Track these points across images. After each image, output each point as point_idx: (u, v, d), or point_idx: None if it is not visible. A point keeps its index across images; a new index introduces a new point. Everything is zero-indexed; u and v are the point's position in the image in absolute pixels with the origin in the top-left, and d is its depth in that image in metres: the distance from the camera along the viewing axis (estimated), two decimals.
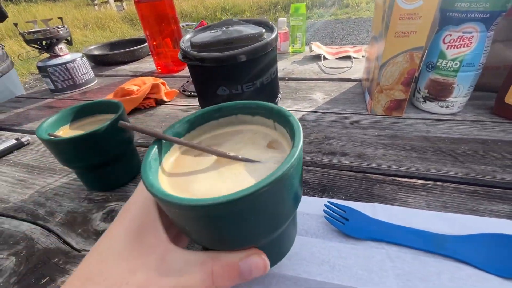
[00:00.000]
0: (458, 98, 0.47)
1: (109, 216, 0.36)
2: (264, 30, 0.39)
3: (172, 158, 0.21)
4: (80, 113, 0.41)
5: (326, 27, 4.39)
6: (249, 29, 0.39)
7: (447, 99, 0.48)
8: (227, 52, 0.36)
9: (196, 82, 0.43)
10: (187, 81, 0.75)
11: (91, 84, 0.83)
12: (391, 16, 0.41)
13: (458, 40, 0.42)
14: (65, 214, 0.37)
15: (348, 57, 0.81)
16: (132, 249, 0.18)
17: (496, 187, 0.34)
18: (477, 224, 0.29)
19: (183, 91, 0.70)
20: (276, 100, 0.46)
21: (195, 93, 0.68)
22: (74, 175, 0.44)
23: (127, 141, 0.39)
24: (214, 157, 0.20)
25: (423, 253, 0.27)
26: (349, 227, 0.30)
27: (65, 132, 0.39)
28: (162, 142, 0.20)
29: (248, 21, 0.44)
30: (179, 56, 0.40)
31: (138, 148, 0.49)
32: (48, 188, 0.42)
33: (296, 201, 0.20)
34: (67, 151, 0.34)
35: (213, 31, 0.42)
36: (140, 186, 0.20)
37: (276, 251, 0.22)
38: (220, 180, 0.18)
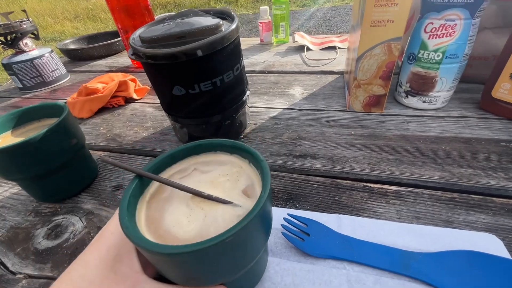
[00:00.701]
0: (442, 92, 0.43)
1: (54, 232, 0.33)
2: (221, 22, 0.35)
3: (151, 191, 0.22)
4: (23, 118, 0.37)
5: (323, 15, 4.27)
6: (205, 21, 0.35)
7: (430, 94, 0.44)
8: (178, 48, 0.32)
9: (151, 81, 0.39)
10: None
11: (63, 81, 0.79)
12: (366, 3, 0.37)
13: (440, 28, 0.38)
14: (7, 230, 0.34)
15: (333, 48, 0.77)
16: (104, 278, 0.19)
17: (475, 193, 0.31)
18: (450, 238, 0.26)
19: None
20: (244, 97, 0.42)
21: None
22: None
23: (74, 148, 0.35)
24: (182, 193, 0.21)
25: (387, 273, 0.24)
26: (309, 244, 0.27)
27: (6, 139, 0.36)
28: (142, 178, 0.21)
29: (208, 12, 0.40)
30: (129, 53, 0.36)
31: (97, 152, 0.45)
32: None
33: (265, 239, 0.21)
34: (1, 162, 0.31)
35: (166, 23, 0.37)
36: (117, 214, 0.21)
37: (249, 281, 0.24)
38: (192, 218, 0.19)
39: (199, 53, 0.33)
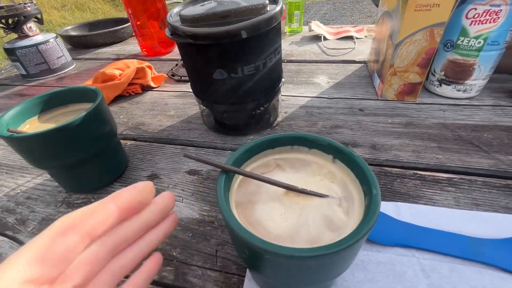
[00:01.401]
0: (478, 80, 0.43)
1: None
2: (267, 1, 0.33)
3: (236, 185, 0.21)
4: (50, 103, 0.35)
5: (319, 9, 4.25)
6: (249, 0, 0.33)
7: (466, 82, 0.43)
8: (226, 27, 0.30)
9: (188, 64, 0.37)
10: (176, 64, 0.68)
11: (69, 69, 0.75)
12: None
13: (484, 14, 0.38)
14: (38, 222, 0.32)
15: (349, 38, 0.75)
16: None
17: None
18: None
19: (172, 75, 0.63)
20: (280, 85, 0.41)
21: (186, 78, 0.61)
22: (48, 175, 0.38)
23: (108, 135, 0.33)
24: (273, 188, 0.20)
25: (460, 261, 0.24)
26: (373, 232, 0.26)
27: (33, 125, 0.33)
28: (228, 174, 0.19)
29: None
30: (167, 33, 0.33)
31: (123, 142, 0.43)
32: (19, 191, 0.36)
33: None
34: (35, 150, 0.29)
35: (205, 2, 0.35)
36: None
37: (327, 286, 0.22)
38: (287, 215, 0.18)
39: (245, 34, 0.31)
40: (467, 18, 0.39)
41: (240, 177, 0.21)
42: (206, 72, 0.34)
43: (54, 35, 0.72)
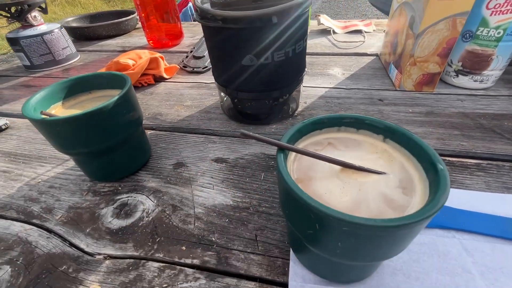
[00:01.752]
0: (495, 71, 0.44)
1: (122, 212, 0.30)
2: None
3: (291, 165, 0.20)
4: (75, 88, 0.34)
5: (313, 7, 4.26)
6: None
7: (483, 73, 0.44)
8: (260, 11, 0.29)
9: (215, 50, 0.36)
10: (187, 56, 0.67)
11: (74, 60, 0.73)
12: None
13: (505, 4, 0.38)
14: (66, 211, 0.31)
15: (358, 31, 0.76)
16: None
17: None
18: None
19: (184, 66, 0.62)
20: (303, 74, 0.41)
21: (198, 69, 0.61)
22: (69, 163, 0.37)
23: (136, 122, 0.33)
24: (328, 164, 0.20)
25: (499, 240, 0.24)
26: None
27: (58, 111, 0.32)
28: (284, 152, 0.19)
29: None
30: (196, 16, 0.33)
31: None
32: (40, 180, 0.35)
33: None
34: (67, 134, 0.28)
35: None
36: None
37: (376, 266, 0.22)
38: (346, 190, 0.18)
39: (276, 18, 0.30)
40: (487, 8, 0.40)
41: (293, 156, 0.21)
42: (234, 58, 0.34)
43: (59, 25, 0.70)
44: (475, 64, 0.44)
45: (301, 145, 0.22)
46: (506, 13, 0.39)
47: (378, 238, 0.15)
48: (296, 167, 0.20)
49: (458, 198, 0.28)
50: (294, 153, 0.21)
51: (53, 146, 0.30)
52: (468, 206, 0.27)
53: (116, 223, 0.29)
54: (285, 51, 0.34)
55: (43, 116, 0.27)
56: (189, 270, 0.24)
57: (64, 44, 0.70)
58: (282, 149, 0.19)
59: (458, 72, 0.46)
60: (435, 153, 0.18)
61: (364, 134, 0.22)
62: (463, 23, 0.39)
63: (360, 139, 0.22)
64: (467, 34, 0.43)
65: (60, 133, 0.27)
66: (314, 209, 0.15)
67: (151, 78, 0.56)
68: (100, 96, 0.34)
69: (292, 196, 0.16)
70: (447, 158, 0.33)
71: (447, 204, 0.27)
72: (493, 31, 0.41)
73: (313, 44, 0.71)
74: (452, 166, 0.32)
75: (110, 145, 0.30)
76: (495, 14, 0.40)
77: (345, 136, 0.23)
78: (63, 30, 0.70)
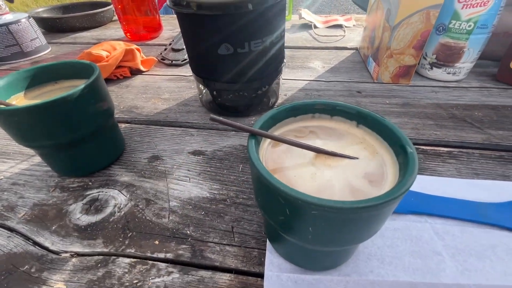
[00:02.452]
0: (466, 63, 0.45)
1: (92, 207, 0.28)
2: None
3: (263, 151, 0.20)
4: (39, 78, 0.32)
5: (297, 4, 4.28)
6: None
7: (455, 65, 0.46)
8: None
9: (190, 39, 0.35)
10: (165, 49, 0.65)
11: (44, 53, 0.69)
12: None
13: None
14: (30, 208, 0.29)
15: (339, 26, 0.76)
16: None
17: None
18: None
19: (162, 59, 0.60)
20: (282, 65, 0.40)
21: (177, 62, 0.59)
22: (35, 159, 0.35)
23: (106, 113, 0.31)
24: (302, 151, 0.20)
25: (469, 224, 0.25)
26: None
27: (20, 102, 0.30)
28: (256, 138, 0.19)
29: None
30: (168, 3, 0.31)
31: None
32: (2, 177, 0.33)
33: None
34: (27, 126, 0.26)
35: None
36: None
37: (350, 253, 0.22)
38: (317, 176, 0.18)
39: (252, 5, 0.30)
40: (459, 2, 0.41)
41: (266, 143, 0.21)
42: (210, 47, 0.33)
43: (26, 15, 0.66)
44: (448, 56, 0.45)
45: (276, 132, 0.21)
46: (477, 6, 0.40)
47: (347, 221, 0.15)
48: (269, 155, 0.20)
49: (430, 185, 0.29)
50: (267, 141, 0.21)
51: (13, 139, 0.27)
52: (440, 192, 0.28)
53: (85, 219, 0.27)
54: (262, 40, 0.33)
55: (1, 106, 0.25)
56: (162, 265, 0.23)
57: (33, 35, 0.66)
58: (254, 136, 0.19)
59: (432, 65, 0.48)
60: (405, 136, 0.18)
61: (339, 121, 0.22)
62: (436, 15, 0.40)
63: (335, 126, 0.22)
64: (440, 27, 0.44)
65: (19, 124, 0.25)
66: (283, 193, 0.14)
67: (127, 70, 0.54)
68: (67, 86, 0.32)
69: (262, 181, 0.16)
70: (421, 147, 0.34)
71: (420, 190, 0.28)
72: (464, 24, 0.42)
73: (294, 37, 0.71)
74: (426, 154, 0.33)
75: (78, 138, 0.29)
76: (466, 7, 0.41)
77: (320, 124, 0.22)
78: (32, 20, 0.66)
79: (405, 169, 0.16)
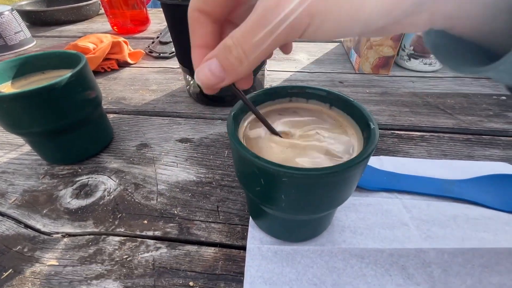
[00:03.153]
0: None
1: (82, 192, 0.29)
2: None
3: (243, 130, 0.22)
4: (25, 68, 0.32)
5: None
6: None
7: (431, 56, 0.48)
8: None
9: (176, 29, 0.36)
10: (153, 42, 0.65)
11: (28, 46, 0.68)
12: None
13: None
14: (21, 194, 0.30)
15: None
16: None
17: (484, 134, 0.36)
18: (475, 168, 0.30)
19: (149, 52, 0.61)
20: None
21: (165, 54, 0.59)
22: (23, 149, 0.36)
23: (94, 101, 0.32)
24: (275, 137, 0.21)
25: (435, 198, 0.27)
26: (362, 180, 0.29)
27: (7, 91, 0.30)
28: (235, 119, 0.20)
29: None
30: None
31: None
32: None
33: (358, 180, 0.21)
34: (16, 112, 0.27)
35: None
36: None
37: (326, 221, 0.24)
38: (291, 147, 0.20)
39: None
40: None
41: (245, 125, 0.22)
42: None
43: (10, 7, 0.65)
44: (424, 48, 0.48)
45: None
46: None
47: (315, 187, 0.17)
48: (249, 131, 0.21)
49: (402, 165, 0.31)
50: (246, 122, 0.22)
51: (1, 126, 0.28)
52: (410, 171, 0.30)
53: (76, 203, 0.28)
54: None
55: None
56: (150, 241, 0.25)
57: (17, 28, 0.65)
58: (235, 115, 0.20)
59: (410, 56, 0.50)
60: (369, 114, 0.20)
61: (314, 104, 0.24)
62: None
63: (311, 108, 0.24)
64: None
65: (8, 110, 0.26)
66: (257, 163, 0.16)
67: (114, 63, 0.55)
68: (54, 76, 0.33)
69: (239, 155, 0.17)
70: (396, 132, 0.36)
71: (392, 170, 0.30)
72: None
73: None
74: (400, 138, 0.35)
75: (66, 125, 0.30)
76: None
77: (297, 106, 0.24)
78: (15, 13, 0.65)
79: (367, 142, 0.18)
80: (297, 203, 0.18)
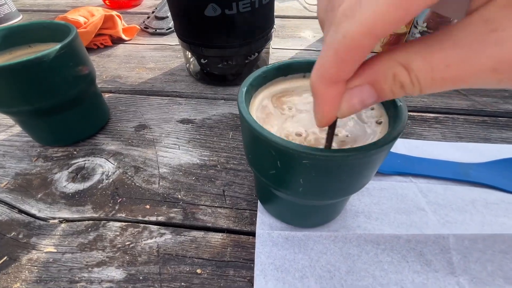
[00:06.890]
0: None
1: (79, 175, 0.28)
2: None
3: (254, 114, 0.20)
4: (10, 40, 0.29)
5: None
6: None
7: None
8: None
9: (174, 1, 0.33)
10: (148, 17, 0.61)
11: (14, 21, 0.64)
12: None
13: None
14: (13, 178, 0.28)
15: None
16: None
17: (501, 116, 0.34)
18: (493, 151, 0.29)
19: (145, 27, 0.57)
20: (272, 31, 0.39)
21: (161, 30, 0.56)
22: (14, 129, 0.33)
23: (87, 78, 0.29)
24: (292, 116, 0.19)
25: (451, 182, 0.26)
26: None
27: None
28: (247, 96, 0.19)
29: None
30: None
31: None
32: None
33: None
34: (2, 89, 0.24)
35: None
36: None
37: (338, 209, 0.23)
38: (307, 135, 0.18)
39: None
40: None
41: (256, 105, 0.20)
42: (196, 9, 0.31)
43: None
44: (438, 24, 0.45)
45: (264, 91, 0.21)
46: None
47: (337, 170, 0.15)
48: (259, 115, 0.20)
49: (416, 148, 0.29)
50: (257, 101, 0.20)
51: None
52: (425, 154, 0.29)
53: (72, 187, 0.27)
54: (251, 1, 0.31)
55: None
56: (154, 227, 0.23)
57: (1, 0, 0.60)
58: (245, 94, 0.18)
59: (422, 33, 0.47)
60: None
61: None
62: None
63: None
64: None
65: None
66: (275, 143, 0.14)
67: (107, 39, 0.51)
68: (42, 50, 0.30)
69: (253, 135, 0.16)
70: (409, 113, 0.35)
71: (406, 153, 0.29)
72: None
73: (284, 7, 0.68)
74: (413, 120, 0.34)
75: (58, 104, 0.27)
76: None
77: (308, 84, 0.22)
78: None
79: (394, 120, 0.16)
80: (316, 188, 0.17)
